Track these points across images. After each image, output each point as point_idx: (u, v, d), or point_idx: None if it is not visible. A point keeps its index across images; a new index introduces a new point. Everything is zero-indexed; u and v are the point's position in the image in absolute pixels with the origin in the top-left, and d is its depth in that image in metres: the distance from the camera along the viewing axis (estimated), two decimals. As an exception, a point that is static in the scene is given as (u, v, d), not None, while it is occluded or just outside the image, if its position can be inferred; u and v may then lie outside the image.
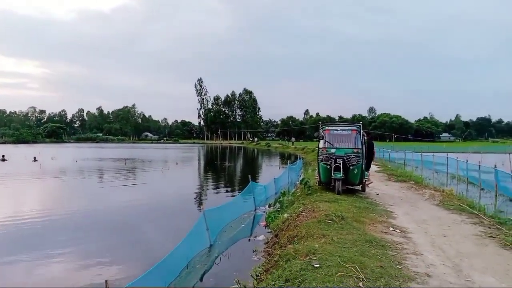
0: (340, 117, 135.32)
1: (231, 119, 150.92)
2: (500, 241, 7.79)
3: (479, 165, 18.76)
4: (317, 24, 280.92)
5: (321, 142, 13.20)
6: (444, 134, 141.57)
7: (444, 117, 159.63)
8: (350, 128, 13.29)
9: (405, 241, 7.54)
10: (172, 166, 35.30)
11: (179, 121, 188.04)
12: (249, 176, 14.62)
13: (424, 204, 12.25)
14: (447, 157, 24.95)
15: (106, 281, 4.85)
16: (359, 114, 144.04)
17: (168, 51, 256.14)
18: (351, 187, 13.60)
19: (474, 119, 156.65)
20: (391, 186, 16.74)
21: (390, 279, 5.15)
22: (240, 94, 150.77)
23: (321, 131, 13.33)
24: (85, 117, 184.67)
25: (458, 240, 7.85)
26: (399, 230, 8.40)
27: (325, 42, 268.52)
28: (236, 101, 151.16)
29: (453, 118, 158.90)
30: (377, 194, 13.79)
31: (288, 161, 36.49)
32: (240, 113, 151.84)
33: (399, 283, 5.06)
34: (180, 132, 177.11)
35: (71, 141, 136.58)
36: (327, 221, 8.34)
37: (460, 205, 11.66)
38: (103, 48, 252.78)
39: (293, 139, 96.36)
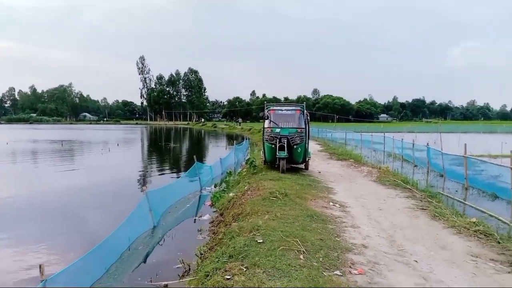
0: (286, 98, 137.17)
1: (176, 99, 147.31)
2: (430, 212, 8.40)
3: (413, 144, 19.99)
4: (262, 4, 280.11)
5: (266, 122, 13.31)
6: (382, 115, 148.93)
7: (382, 99, 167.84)
8: (294, 108, 13.51)
9: (344, 215, 7.89)
10: (113, 148, 33.93)
11: (120, 101, 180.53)
12: (195, 156, 14.44)
13: (363, 180, 12.87)
14: (384, 137, 26.33)
15: (40, 265, 4.57)
16: (303, 95, 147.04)
17: (108, 27, 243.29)
18: (295, 166, 13.93)
19: (410, 101, 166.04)
20: (332, 165, 17.37)
21: (329, 250, 5.37)
22: (185, 74, 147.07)
23: (266, 111, 13.42)
24: (16, 96, 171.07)
25: (392, 213, 8.35)
26: (339, 204, 8.77)
27: (270, 23, 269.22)
28: (181, 81, 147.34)
29: (390, 100, 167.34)
30: (319, 172, 14.26)
31: (235, 141, 36.54)
32: (185, 93, 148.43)
33: (337, 254, 5.29)
34: (121, 112, 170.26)
35: (2, 122, 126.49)
36: (271, 198, 8.49)
37: (395, 180, 12.39)
38: (36, 22, 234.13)
39: (239, 119, 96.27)
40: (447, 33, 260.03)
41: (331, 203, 8.81)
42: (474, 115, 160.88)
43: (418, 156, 19.51)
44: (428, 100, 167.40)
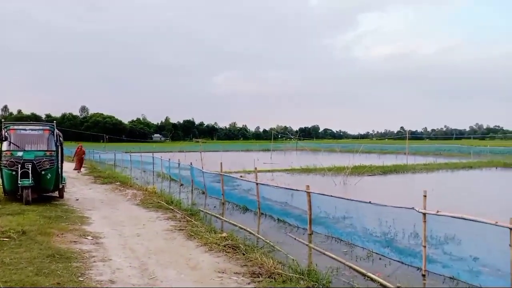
0: (48, 116, 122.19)
1: None
2: (187, 233, 8.56)
3: (179, 163, 20.71)
4: (17, 7, 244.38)
5: (5, 144, 11.06)
6: (156, 135, 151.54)
7: (155, 119, 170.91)
8: (42, 128, 11.75)
9: (96, 248, 7.12)
10: None
11: None
12: None
13: (125, 205, 12.27)
14: (153, 157, 26.46)
15: None
16: (69, 113, 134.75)
17: None
18: (46, 194, 12.08)
19: (182, 121, 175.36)
20: (95, 189, 16.06)
21: (65, 297, 4.57)
22: None
23: (4, 131, 11.15)
24: None
25: (150, 238, 8.10)
26: (92, 236, 7.91)
27: (28, 31, 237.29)
28: None
29: (163, 120, 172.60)
30: (77, 200, 12.85)
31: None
32: None
33: (75, 299, 4.55)
34: None
35: None
36: (2, 239, 6.86)
37: (159, 202, 12.31)
38: None
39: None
40: (213, 62, 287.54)
41: (82, 236, 7.84)
42: (236, 135, 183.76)
43: (184, 175, 20.28)
44: (197, 121, 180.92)
